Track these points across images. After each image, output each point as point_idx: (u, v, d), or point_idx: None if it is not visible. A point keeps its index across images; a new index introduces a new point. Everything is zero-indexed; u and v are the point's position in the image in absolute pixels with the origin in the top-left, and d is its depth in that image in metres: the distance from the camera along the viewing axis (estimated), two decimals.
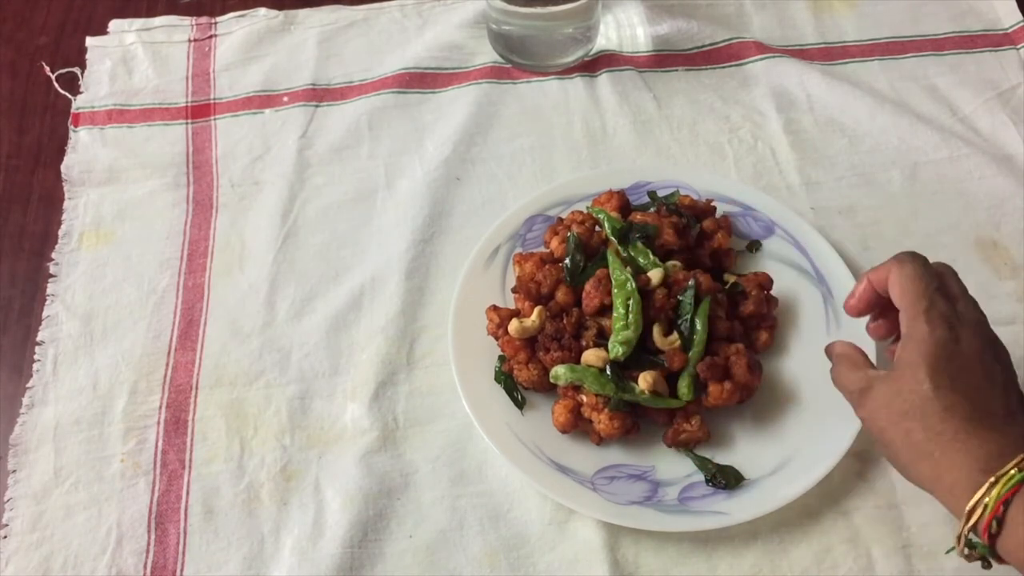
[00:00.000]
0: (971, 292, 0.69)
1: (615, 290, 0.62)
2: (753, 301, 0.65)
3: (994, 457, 0.47)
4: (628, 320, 0.61)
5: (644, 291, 0.62)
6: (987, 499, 0.46)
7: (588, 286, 0.63)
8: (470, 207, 0.75)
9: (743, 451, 0.62)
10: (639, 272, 0.64)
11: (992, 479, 0.46)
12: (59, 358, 0.68)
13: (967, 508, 0.46)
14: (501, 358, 0.65)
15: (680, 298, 0.63)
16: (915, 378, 0.50)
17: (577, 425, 0.61)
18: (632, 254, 0.65)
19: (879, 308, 0.57)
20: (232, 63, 0.85)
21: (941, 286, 0.53)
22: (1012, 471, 0.46)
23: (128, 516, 0.61)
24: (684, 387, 0.61)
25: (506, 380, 0.64)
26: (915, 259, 0.54)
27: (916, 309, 0.51)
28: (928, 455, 0.49)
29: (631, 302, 0.62)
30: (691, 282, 0.63)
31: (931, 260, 0.71)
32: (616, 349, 0.61)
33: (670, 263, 0.65)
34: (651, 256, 0.65)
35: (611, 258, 0.64)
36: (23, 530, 0.61)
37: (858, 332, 0.66)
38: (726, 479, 0.60)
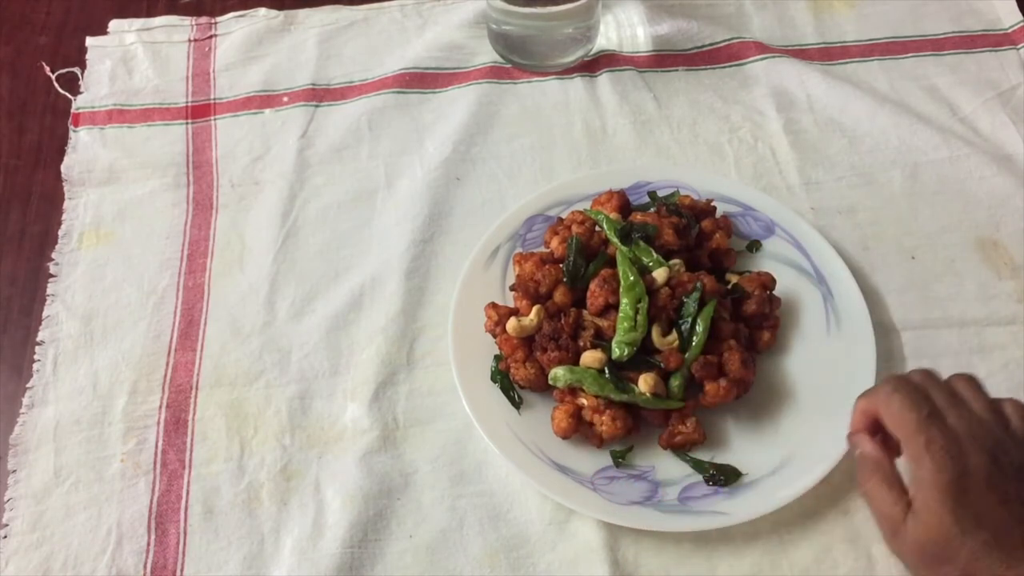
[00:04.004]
0: (971, 292, 0.70)
1: (623, 291, 0.62)
2: (756, 301, 0.65)
3: None
4: (637, 321, 0.61)
5: (648, 290, 0.62)
6: None
7: (593, 285, 0.63)
8: (470, 207, 0.75)
9: (743, 451, 0.62)
10: (644, 272, 0.64)
11: None
12: (59, 358, 0.68)
13: None
14: (497, 357, 0.65)
15: (685, 300, 0.63)
16: (940, 524, 0.48)
17: (578, 430, 0.61)
18: (636, 254, 0.65)
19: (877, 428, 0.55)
20: (232, 63, 0.85)
21: (932, 410, 0.51)
22: None
23: (128, 516, 0.61)
24: (675, 386, 0.61)
25: (502, 379, 0.64)
26: (900, 387, 0.52)
27: (916, 445, 0.50)
28: None
29: (641, 304, 0.62)
30: (698, 284, 0.63)
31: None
32: (622, 349, 0.61)
33: (672, 262, 0.65)
34: (654, 255, 0.65)
35: (621, 258, 0.64)
36: (23, 530, 0.61)
37: (858, 331, 0.66)
38: (725, 476, 0.60)
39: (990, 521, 0.48)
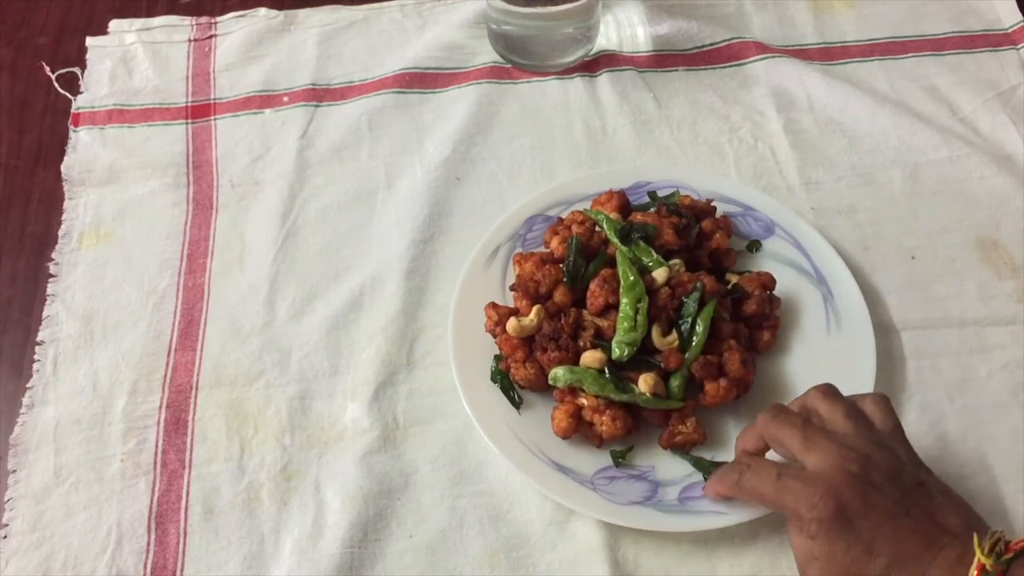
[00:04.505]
0: (971, 292, 0.70)
1: (623, 291, 0.62)
2: (755, 301, 0.65)
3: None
4: (637, 321, 0.61)
5: (648, 290, 0.62)
6: None
7: (593, 285, 0.63)
8: (470, 207, 0.75)
9: None
10: (644, 272, 0.64)
11: None
12: (59, 358, 0.68)
13: None
14: (497, 357, 0.65)
15: (685, 300, 0.63)
16: (836, 565, 0.48)
17: (578, 430, 0.61)
18: (636, 254, 0.65)
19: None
20: (232, 63, 0.85)
21: (782, 470, 0.51)
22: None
23: (128, 516, 0.61)
24: (675, 386, 0.61)
25: (502, 379, 0.64)
26: (742, 469, 0.53)
27: (786, 506, 0.50)
28: None
29: (641, 304, 0.62)
30: (698, 284, 0.63)
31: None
32: (622, 349, 0.61)
33: (672, 262, 0.65)
34: (654, 255, 0.65)
35: (620, 258, 0.64)
36: (23, 530, 0.61)
37: (858, 331, 0.66)
38: None
39: (883, 542, 0.47)
